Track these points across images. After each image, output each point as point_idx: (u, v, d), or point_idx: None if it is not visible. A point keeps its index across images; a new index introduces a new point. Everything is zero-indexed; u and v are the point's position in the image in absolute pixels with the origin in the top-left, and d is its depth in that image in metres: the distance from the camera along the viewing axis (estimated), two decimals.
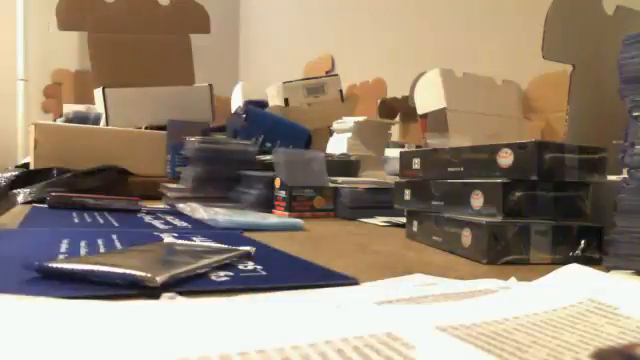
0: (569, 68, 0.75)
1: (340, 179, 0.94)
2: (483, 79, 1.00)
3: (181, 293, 0.29)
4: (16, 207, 0.75)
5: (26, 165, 1.18)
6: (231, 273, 0.36)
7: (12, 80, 3.00)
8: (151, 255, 0.39)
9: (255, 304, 0.28)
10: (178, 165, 1.16)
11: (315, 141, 1.31)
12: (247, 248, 0.43)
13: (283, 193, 0.87)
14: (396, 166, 0.68)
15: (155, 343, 0.20)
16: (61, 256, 0.40)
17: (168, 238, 0.52)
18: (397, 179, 0.67)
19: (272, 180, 0.91)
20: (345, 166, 1.06)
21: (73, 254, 0.41)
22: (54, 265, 0.32)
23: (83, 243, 0.46)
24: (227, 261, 0.39)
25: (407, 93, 1.25)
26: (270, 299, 0.29)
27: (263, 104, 1.53)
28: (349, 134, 1.23)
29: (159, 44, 1.59)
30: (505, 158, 0.48)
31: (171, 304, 0.27)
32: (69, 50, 2.93)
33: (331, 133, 1.33)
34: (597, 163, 0.49)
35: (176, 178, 1.09)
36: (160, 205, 0.96)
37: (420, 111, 0.98)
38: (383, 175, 1.05)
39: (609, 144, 0.49)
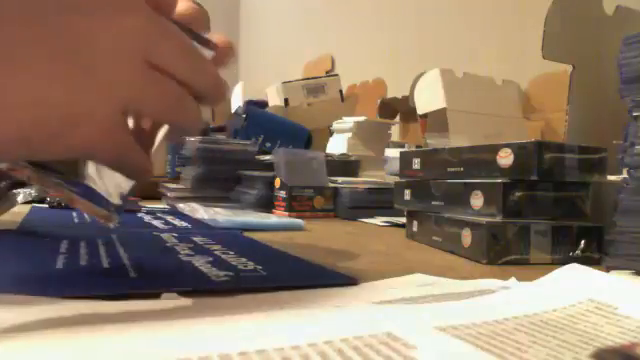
0: (569, 68, 0.75)
1: (340, 179, 0.94)
2: (483, 79, 1.00)
3: (181, 293, 0.29)
4: (16, 207, 0.75)
5: None
6: (231, 273, 0.36)
7: None
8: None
9: (255, 304, 0.28)
10: (178, 165, 1.16)
11: (315, 141, 1.30)
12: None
13: (283, 193, 0.87)
14: (396, 166, 0.68)
15: (155, 343, 0.20)
16: (61, 256, 0.40)
17: (168, 238, 0.52)
18: (397, 179, 0.66)
19: (272, 180, 0.91)
20: (345, 166, 1.06)
21: (73, 254, 0.41)
22: None
23: (83, 243, 0.46)
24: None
25: (407, 93, 1.24)
26: (270, 299, 0.29)
27: (263, 104, 1.53)
28: (349, 134, 1.23)
29: None
30: (505, 158, 0.48)
31: (171, 304, 0.27)
32: None
33: (331, 133, 1.33)
34: (597, 163, 0.49)
35: (176, 178, 1.09)
36: (160, 205, 0.96)
37: (420, 111, 0.97)
38: (383, 175, 1.04)
39: (609, 144, 0.49)
